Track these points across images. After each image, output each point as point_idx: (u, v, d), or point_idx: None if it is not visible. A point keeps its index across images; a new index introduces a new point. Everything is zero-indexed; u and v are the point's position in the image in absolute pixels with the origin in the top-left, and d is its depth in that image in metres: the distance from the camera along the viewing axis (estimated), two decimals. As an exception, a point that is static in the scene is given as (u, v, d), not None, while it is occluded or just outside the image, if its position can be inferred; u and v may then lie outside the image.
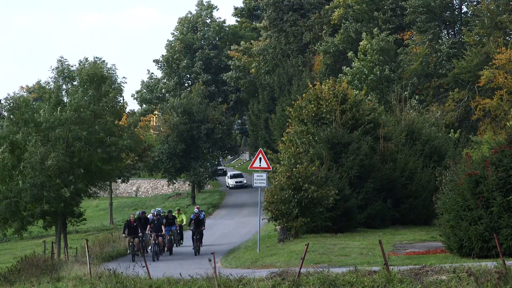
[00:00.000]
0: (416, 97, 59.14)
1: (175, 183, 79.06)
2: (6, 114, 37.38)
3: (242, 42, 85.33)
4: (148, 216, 35.05)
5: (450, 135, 50.10)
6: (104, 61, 37.85)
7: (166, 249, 35.15)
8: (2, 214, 35.25)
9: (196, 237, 34.22)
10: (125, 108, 46.93)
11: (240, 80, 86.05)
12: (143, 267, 22.45)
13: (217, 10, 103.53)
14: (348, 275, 18.60)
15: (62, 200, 35.16)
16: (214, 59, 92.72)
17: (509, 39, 62.57)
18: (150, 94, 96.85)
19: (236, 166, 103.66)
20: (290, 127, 42.66)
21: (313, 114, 40.35)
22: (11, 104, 36.34)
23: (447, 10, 67.33)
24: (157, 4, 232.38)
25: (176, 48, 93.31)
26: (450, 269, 18.04)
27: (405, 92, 54.43)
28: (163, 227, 34.27)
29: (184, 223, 40.55)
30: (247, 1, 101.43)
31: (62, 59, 37.53)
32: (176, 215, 38.49)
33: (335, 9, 70.76)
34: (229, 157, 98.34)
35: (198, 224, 34.60)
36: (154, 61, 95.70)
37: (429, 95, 63.48)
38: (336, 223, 34.44)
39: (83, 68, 37.23)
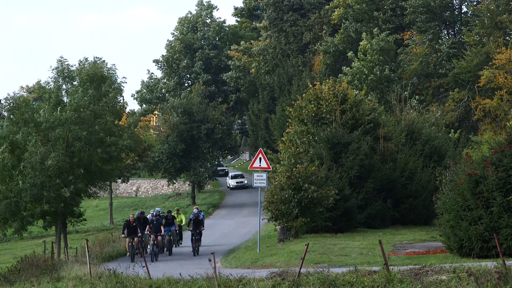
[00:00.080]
0: (416, 97, 59.14)
1: (175, 183, 79.06)
2: (6, 114, 37.37)
3: (242, 42, 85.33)
4: (148, 217, 35.01)
5: (450, 135, 50.10)
6: (104, 61, 37.88)
7: (165, 249, 35.09)
8: (2, 214, 35.24)
9: (195, 238, 34.16)
10: (125, 108, 46.92)
11: (240, 80, 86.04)
12: (143, 267, 22.46)
13: (217, 10, 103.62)
14: (348, 275, 18.61)
15: (62, 200, 35.15)
16: (214, 59, 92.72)
17: (509, 39, 62.56)
18: (150, 94, 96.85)
19: (236, 166, 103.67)
20: (290, 127, 42.67)
21: (313, 114, 40.35)
22: (11, 104, 36.33)
23: (447, 10, 67.33)
24: (157, 4, 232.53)
25: (176, 48, 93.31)
26: (450, 269, 18.04)
27: (405, 92, 54.43)
28: (162, 228, 34.24)
29: (183, 223, 40.54)
30: (247, 1, 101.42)
31: (62, 59, 37.55)
32: (175, 215, 38.46)
33: (335, 9, 70.76)
34: (229, 157, 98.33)
35: (197, 225, 34.56)
36: (154, 61, 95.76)
37: (428, 94, 63.48)
38: (336, 223, 34.44)
39: (83, 68, 37.22)
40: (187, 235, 39.37)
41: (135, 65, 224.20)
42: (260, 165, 31.68)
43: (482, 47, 60.80)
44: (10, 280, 26.19)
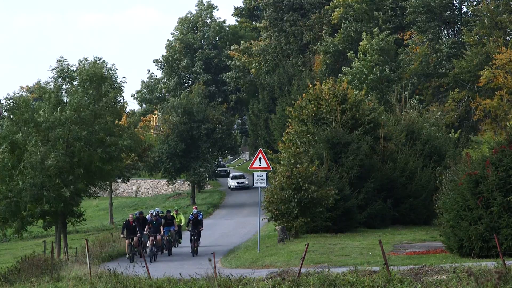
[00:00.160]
0: (417, 97, 59.14)
1: (175, 183, 79.05)
2: (6, 114, 37.36)
3: (242, 42, 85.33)
4: (147, 217, 34.95)
5: (450, 135, 50.10)
6: (104, 61, 37.85)
7: (164, 249, 35.03)
8: (2, 214, 35.23)
9: (194, 238, 34.10)
10: (125, 108, 46.91)
11: (240, 80, 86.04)
12: (143, 267, 22.46)
13: (217, 10, 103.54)
14: (348, 275, 18.61)
15: (62, 200, 35.14)
16: (214, 59, 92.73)
17: (509, 39, 62.58)
18: (150, 94, 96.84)
19: (236, 166, 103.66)
20: (290, 127, 42.68)
21: (313, 114, 40.36)
22: (11, 104, 36.32)
23: (447, 10, 67.34)
24: (157, 4, 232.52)
25: (176, 48, 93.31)
26: (450, 269, 18.05)
27: (405, 92, 54.44)
28: (161, 228, 34.20)
29: (183, 223, 40.50)
30: (247, 1, 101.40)
31: (62, 59, 37.53)
32: (175, 216, 38.38)
33: (335, 9, 70.76)
34: (229, 157, 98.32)
35: (196, 225, 34.46)
36: (154, 61, 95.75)
37: (428, 94, 63.49)
38: (336, 223, 34.45)
39: (83, 68, 37.21)
40: (186, 235, 39.36)
41: (135, 65, 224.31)
42: (260, 165, 31.68)
43: (482, 47, 60.82)
44: (10, 280, 26.18)
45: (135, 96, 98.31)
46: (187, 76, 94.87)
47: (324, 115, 40.00)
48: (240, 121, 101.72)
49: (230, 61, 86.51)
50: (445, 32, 69.75)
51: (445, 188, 26.48)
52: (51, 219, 37.27)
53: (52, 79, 37.55)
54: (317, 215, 33.38)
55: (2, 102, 42.51)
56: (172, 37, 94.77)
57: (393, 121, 44.33)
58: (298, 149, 35.72)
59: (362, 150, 37.82)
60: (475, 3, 66.76)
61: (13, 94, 36.69)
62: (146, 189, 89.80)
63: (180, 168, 71.40)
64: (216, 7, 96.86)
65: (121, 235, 33.82)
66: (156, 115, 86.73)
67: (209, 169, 72.89)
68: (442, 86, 63.79)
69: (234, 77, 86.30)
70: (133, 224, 32.91)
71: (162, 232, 34.25)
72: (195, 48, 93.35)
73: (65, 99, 37.31)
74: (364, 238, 31.35)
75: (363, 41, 61.73)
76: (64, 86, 37.67)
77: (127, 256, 32.38)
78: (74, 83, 37.43)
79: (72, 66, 37.67)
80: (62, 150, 35.11)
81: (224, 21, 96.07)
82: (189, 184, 76.54)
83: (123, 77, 39.06)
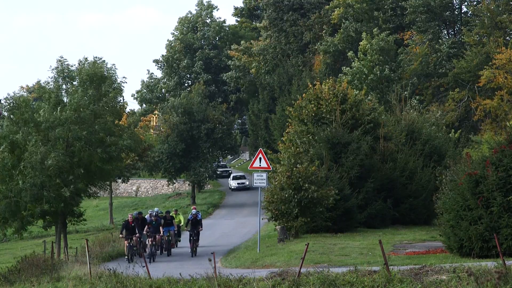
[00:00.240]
0: (417, 97, 59.14)
1: (175, 183, 79.07)
2: (6, 114, 37.37)
3: (242, 42, 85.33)
4: (146, 217, 34.89)
5: (450, 135, 50.10)
6: (104, 61, 37.83)
7: (164, 249, 35.00)
8: (2, 214, 35.24)
9: (193, 238, 34.05)
10: (125, 108, 46.91)
11: (240, 80, 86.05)
12: (143, 267, 22.46)
13: (217, 10, 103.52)
14: (348, 275, 18.61)
15: (62, 200, 35.14)
16: (214, 59, 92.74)
17: (509, 39, 62.59)
18: (150, 94, 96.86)
19: (236, 166, 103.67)
20: (290, 127, 42.68)
21: (313, 114, 40.36)
22: (11, 104, 36.32)
23: (447, 10, 67.35)
24: (157, 4, 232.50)
25: (176, 48, 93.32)
26: (450, 269, 18.05)
27: (405, 92, 54.43)
28: (161, 228, 34.16)
29: (182, 223, 40.47)
30: (247, 1, 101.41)
31: (62, 59, 37.53)
32: (174, 216, 38.32)
33: (335, 9, 70.75)
34: (229, 157, 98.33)
35: (195, 225, 34.41)
36: (154, 61, 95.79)
37: (428, 94, 63.49)
38: (336, 223, 34.44)
39: (83, 68, 37.21)
40: (186, 235, 39.34)
41: (135, 65, 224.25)
42: (260, 165, 31.68)
43: (482, 47, 60.83)
44: (10, 280, 26.19)
45: (135, 96, 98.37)
46: (187, 76, 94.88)
47: (324, 115, 40.00)
48: (240, 121, 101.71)
49: (230, 61, 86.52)
50: (445, 32, 69.77)
51: (445, 188, 26.48)
52: (51, 219, 37.27)
53: (52, 79, 37.58)
54: (317, 215, 33.38)
55: (2, 102, 42.53)
56: (172, 37, 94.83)
57: (393, 121, 44.33)
58: (298, 149, 35.71)
59: (362, 150, 37.82)
60: (475, 3, 66.77)
61: (13, 94, 36.74)
62: (146, 189, 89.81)
63: (180, 168, 71.42)
64: (216, 7, 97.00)
65: (120, 235, 33.76)
66: (156, 115, 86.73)
67: (209, 168, 72.90)
68: (442, 86, 63.80)
69: (234, 77, 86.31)
70: (133, 224, 32.86)
71: (161, 232, 34.22)
72: (195, 48, 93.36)
73: (65, 99, 37.30)
74: (364, 238, 31.35)
75: (363, 41, 61.73)
76: (64, 86, 37.67)
77: (126, 257, 32.30)
78: (74, 83, 37.43)
79: (72, 66, 37.72)
80: (62, 150, 35.11)
81: (224, 21, 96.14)
82: (189, 184, 76.55)
83: (123, 77, 39.11)
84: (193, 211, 35.61)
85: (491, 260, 20.09)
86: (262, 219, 34.30)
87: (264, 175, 31.61)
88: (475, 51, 60.48)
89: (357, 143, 37.93)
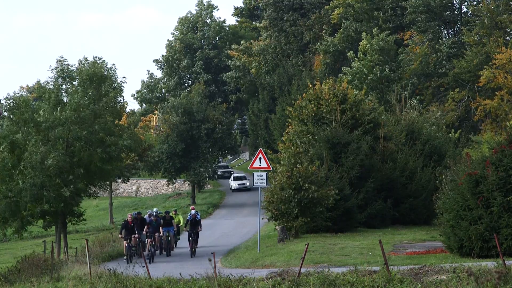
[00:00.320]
0: (417, 97, 59.13)
1: (175, 183, 79.05)
2: (6, 114, 37.38)
3: (242, 42, 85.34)
4: (145, 217, 34.83)
5: (450, 135, 50.10)
6: (104, 61, 37.84)
7: (163, 249, 34.96)
8: (2, 214, 35.25)
9: (192, 239, 34.01)
10: (125, 108, 46.92)
11: (240, 80, 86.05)
12: (143, 267, 22.47)
13: (217, 10, 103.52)
14: (348, 275, 18.62)
15: (62, 200, 35.14)
16: (214, 59, 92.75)
17: (509, 39, 62.60)
18: (150, 94, 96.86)
19: (236, 166, 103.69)
20: (290, 127, 42.68)
21: (313, 114, 40.36)
22: (11, 104, 36.33)
23: (447, 10, 67.35)
24: (157, 4, 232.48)
25: (176, 48, 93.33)
26: (450, 269, 18.05)
27: (405, 92, 54.44)
28: (161, 229, 34.12)
29: (181, 224, 40.43)
30: (247, 1, 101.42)
31: (61, 59, 37.54)
32: (173, 216, 38.27)
33: (335, 9, 70.75)
34: (229, 157, 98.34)
35: (194, 225, 34.34)
36: (154, 61, 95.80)
37: (428, 94, 63.49)
38: (336, 223, 34.44)
39: (82, 68, 37.21)
40: (184, 235, 39.31)
41: (135, 65, 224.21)
42: (260, 165, 31.68)
43: (482, 47, 60.83)
44: (10, 280, 26.19)
45: (135, 96, 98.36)
46: (187, 76, 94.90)
47: (324, 115, 40.00)
48: (240, 121, 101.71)
49: (230, 61, 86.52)
50: (445, 32, 69.77)
51: (445, 188, 26.47)
52: (51, 219, 37.27)
53: (52, 79, 37.59)
54: (317, 215, 33.38)
55: (2, 102, 42.54)
56: (172, 37, 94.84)
57: (393, 121, 44.33)
58: (298, 149, 35.70)
59: (362, 150, 37.82)
60: (475, 3, 66.77)
61: (13, 94, 36.76)
62: (146, 189, 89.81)
63: (180, 168, 71.41)
64: (216, 7, 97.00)
65: (120, 235, 33.72)
66: (156, 115, 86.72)
67: (209, 168, 72.89)
68: (442, 86, 63.80)
69: (234, 77, 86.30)
70: (132, 225, 32.82)
71: (161, 233, 34.18)
72: (195, 48, 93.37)
73: (65, 99, 37.31)
74: (364, 238, 31.35)
75: (363, 41, 61.73)
76: (64, 86, 37.67)
77: (125, 257, 32.25)
78: (74, 83, 37.43)
79: (72, 66, 37.74)
80: (62, 150, 35.11)
81: (224, 21, 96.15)
82: (189, 184, 76.55)
83: (123, 77, 39.12)
84: (192, 211, 35.35)
85: (491, 260, 20.08)
86: (262, 219, 34.29)
87: (264, 175, 31.61)
88: (475, 51, 60.48)
89: (357, 143, 37.93)
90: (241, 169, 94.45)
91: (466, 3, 68.20)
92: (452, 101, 61.13)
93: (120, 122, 41.81)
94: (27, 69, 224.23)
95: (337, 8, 70.34)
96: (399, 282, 17.75)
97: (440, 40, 65.89)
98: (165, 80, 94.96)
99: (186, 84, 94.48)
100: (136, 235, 32.64)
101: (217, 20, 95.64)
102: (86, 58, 37.84)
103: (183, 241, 37.55)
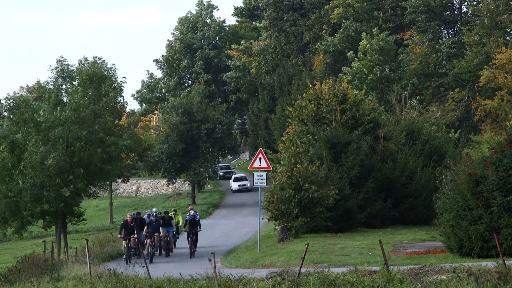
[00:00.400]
0: (417, 97, 59.13)
1: (175, 183, 79.05)
2: (6, 114, 37.38)
3: (242, 42, 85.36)
4: (144, 217, 34.79)
5: (450, 135, 50.11)
6: (104, 61, 37.85)
7: (163, 249, 34.93)
8: (2, 214, 35.25)
9: (191, 239, 33.95)
10: (125, 108, 46.92)
11: (240, 80, 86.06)
12: (143, 267, 22.47)
13: (217, 10, 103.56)
14: (348, 275, 18.62)
15: (62, 200, 35.14)
16: (214, 59, 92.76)
17: (509, 39, 62.60)
18: (150, 94, 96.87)
19: (236, 166, 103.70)
20: (290, 127, 42.68)
21: (313, 114, 40.36)
22: (11, 104, 36.34)
23: (447, 10, 67.36)
24: (157, 4, 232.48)
25: (176, 48, 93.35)
26: (450, 269, 18.05)
27: (405, 92, 54.44)
28: (161, 229, 34.10)
29: (180, 224, 40.39)
30: (247, 1, 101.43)
31: (62, 59, 37.55)
32: (173, 216, 38.21)
33: (335, 9, 70.75)
34: (229, 157, 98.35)
35: (194, 226, 34.24)
36: (154, 61, 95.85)
37: (428, 94, 63.50)
38: (336, 223, 34.44)
39: (82, 68, 37.22)
40: (184, 235, 39.28)
41: (135, 65, 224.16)
42: (260, 165, 31.68)
43: (482, 47, 60.84)
44: (10, 280, 26.19)
45: (135, 96, 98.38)
46: (187, 76, 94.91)
47: (324, 115, 40.00)
48: (240, 121, 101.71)
49: (230, 61, 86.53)
50: (445, 32, 69.78)
51: (445, 188, 26.47)
52: (51, 219, 37.27)
53: (52, 79, 37.60)
54: (317, 215, 33.38)
55: (2, 102, 42.55)
56: (172, 37, 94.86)
57: (393, 121, 44.33)
58: (298, 149, 35.71)
59: (362, 150, 37.82)
60: (475, 3, 66.78)
61: (13, 94, 36.77)
62: (146, 189, 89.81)
63: (180, 168, 71.41)
64: (216, 7, 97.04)
65: (119, 236, 33.67)
66: (156, 115, 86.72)
67: (209, 168, 72.89)
68: (442, 86, 63.80)
69: (234, 77, 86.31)
70: (131, 225, 32.78)
71: (161, 233, 34.14)
72: (195, 48, 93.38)
73: (65, 99, 37.32)
74: (364, 238, 31.35)
75: (363, 41, 61.73)
76: (64, 86, 37.69)
77: (124, 257, 32.20)
78: (74, 83, 37.44)
79: (72, 66, 37.75)
80: (62, 150, 35.12)
81: (224, 21, 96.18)
82: (189, 184, 76.55)
83: (123, 77, 39.12)
84: (191, 212, 34.87)
85: (491, 260, 20.08)
86: (262, 219, 34.29)
87: (264, 175, 31.61)
88: (475, 51, 60.49)
89: (357, 143, 37.93)
90: (241, 169, 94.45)
91: (466, 3, 68.26)
92: (452, 101, 61.13)
93: (120, 122, 41.81)
94: (27, 69, 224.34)
95: (337, 8, 70.35)
96: (399, 282, 17.75)
97: (440, 40, 65.90)
98: (165, 80, 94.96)
99: (186, 84, 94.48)
100: (135, 235, 32.60)
101: (217, 20, 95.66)
102: (86, 58, 37.90)
103: (183, 241, 37.52)
